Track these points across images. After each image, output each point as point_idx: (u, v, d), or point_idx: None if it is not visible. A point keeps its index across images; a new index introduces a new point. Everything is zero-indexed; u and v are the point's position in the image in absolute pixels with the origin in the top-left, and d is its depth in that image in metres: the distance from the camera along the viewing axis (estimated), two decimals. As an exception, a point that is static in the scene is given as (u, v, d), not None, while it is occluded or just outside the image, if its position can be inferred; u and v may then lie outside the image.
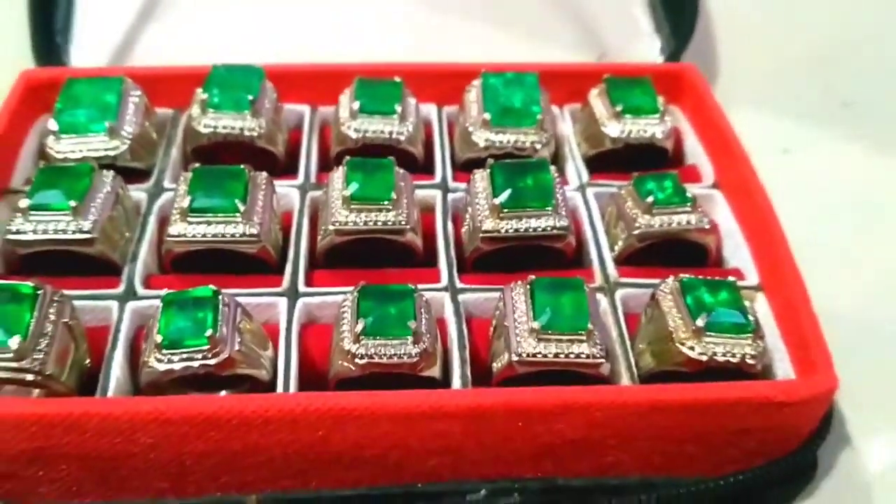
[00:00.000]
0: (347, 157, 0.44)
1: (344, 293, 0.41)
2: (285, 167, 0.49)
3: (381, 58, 0.54)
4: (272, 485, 0.38)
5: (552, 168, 0.45)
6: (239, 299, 0.41)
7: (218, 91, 0.47)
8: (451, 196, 0.47)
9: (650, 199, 0.44)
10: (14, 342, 0.35)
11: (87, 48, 0.57)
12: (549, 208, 0.42)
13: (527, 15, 0.64)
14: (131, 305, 0.41)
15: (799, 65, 0.65)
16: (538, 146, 0.48)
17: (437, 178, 0.48)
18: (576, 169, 0.49)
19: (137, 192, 0.46)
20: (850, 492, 0.41)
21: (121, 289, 0.42)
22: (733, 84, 0.63)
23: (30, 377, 0.35)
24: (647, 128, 0.49)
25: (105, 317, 0.41)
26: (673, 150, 0.51)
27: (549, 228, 0.42)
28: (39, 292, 0.37)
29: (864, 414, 0.43)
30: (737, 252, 0.46)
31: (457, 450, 0.37)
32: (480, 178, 0.44)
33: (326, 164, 0.50)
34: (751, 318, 0.39)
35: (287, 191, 0.47)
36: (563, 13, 0.65)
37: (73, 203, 0.41)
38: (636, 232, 0.44)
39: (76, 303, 0.40)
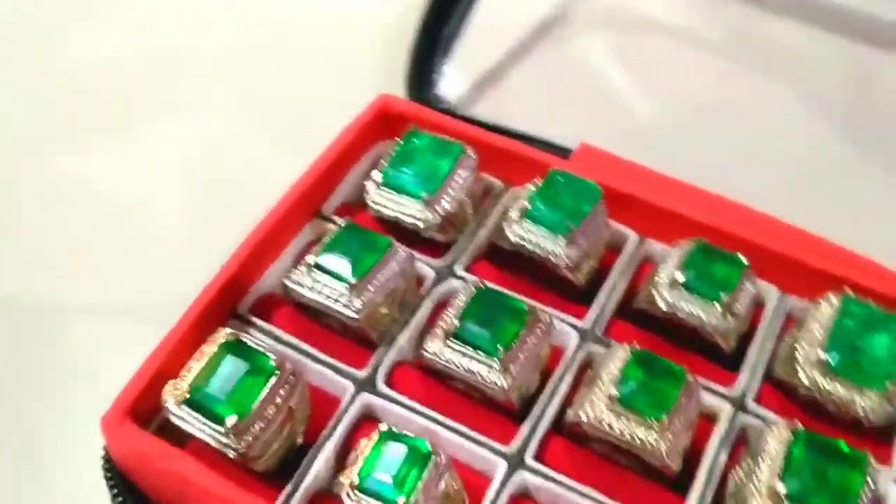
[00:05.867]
0: (636, 346, 0.39)
1: (571, 488, 0.37)
2: (584, 291, 0.45)
3: (742, 188, 0.47)
4: None
5: (871, 467, 0.36)
6: (461, 439, 0.38)
7: (544, 205, 0.43)
8: (741, 419, 0.40)
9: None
10: (231, 420, 0.35)
11: (458, 75, 0.56)
12: (842, 522, 0.34)
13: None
14: (364, 397, 0.40)
15: None
16: (872, 416, 0.38)
17: (737, 390, 0.41)
18: (911, 453, 0.39)
19: (425, 268, 0.44)
20: None
21: (363, 374, 0.40)
22: None
23: (233, 454, 0.35)
24: None
25: (338, 390, 0.40)
26: None
27: (829, 547, 0.34)
28: (278, 371, 0.36)
29: None
30: None
31: None
32: (776, 438, 0.37)
33: (627, 306, 0.44)
34: None
35: (567, 329, 0.42)
36: None
37: (354, 280, 0.40)
38: None
39: (318, 367, 0.40)
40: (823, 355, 0.39)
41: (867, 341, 0.39)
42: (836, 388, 0.39)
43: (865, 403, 0.38)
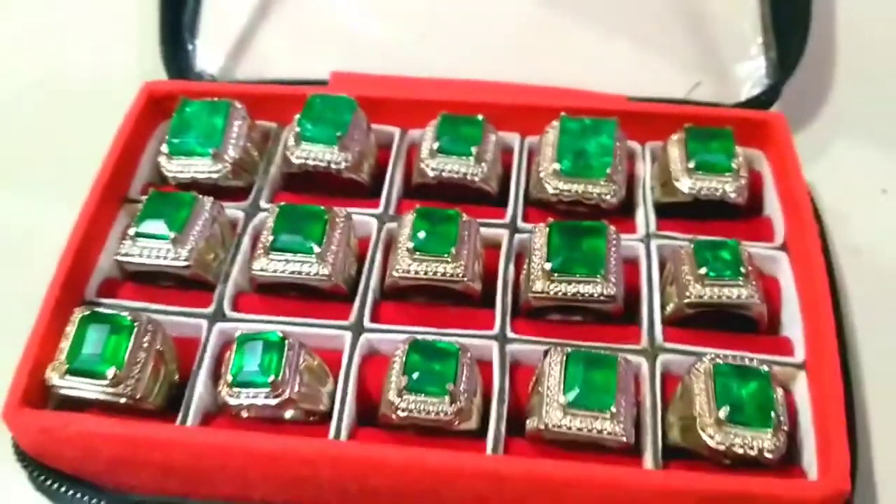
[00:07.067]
0: (417, 207, 0.48)
1: (404, 331, 0.46)
2: (371, 189, 0.53)
3: (479, 70, 0.57)
4: (322, 503, 0.43)
5: (610, 230, 0.46)
6: (308, 328, 0.46)
7: (311, 124, 0.51)
8: (517, 237, 0.50)
9: (704, 269, 0.45)
10: (111, 372, 0.41)
11: (212, 48, 0.63)
12: (599, 276, 0.44)
13: (635, 24, 0.64)
14: (219, 326, 0.47)
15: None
16: (606, 197, 0.49)
17: (507, 218, 0.51)
18: (645, 217, 0.51)
19: (235, 211, 0.51)
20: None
21: (211, 309, 0.47)
22: (839, 113, 0.61)
23: (123, 401, 0.42)
24: (719, 185, 0.49)
25: (196, 332, 0.47)
26: (749, 200, 0.51)
27: (596, 295, 0.44)
28: (136, 323, 0.43)
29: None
30: (792, 322, 0.47)
31: (484, 498, 0.42)
32: (540, 233, 0.47)
33: (410, 187, 0.53)
34: (773, 414, 0.40)
35: (366, 219, 0.51)
36: (673, 23, 0.64)
37: (172, 234, 0.46)
38: (686, 301, 0.45)
39: (172, 318, 0.47)
40: (557, 166, 0.49)
41: (585, 144, 0.50)
42: (573, 187, 0.49)
43: (598, 190, 0.49)
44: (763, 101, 0.57)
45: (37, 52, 0.69)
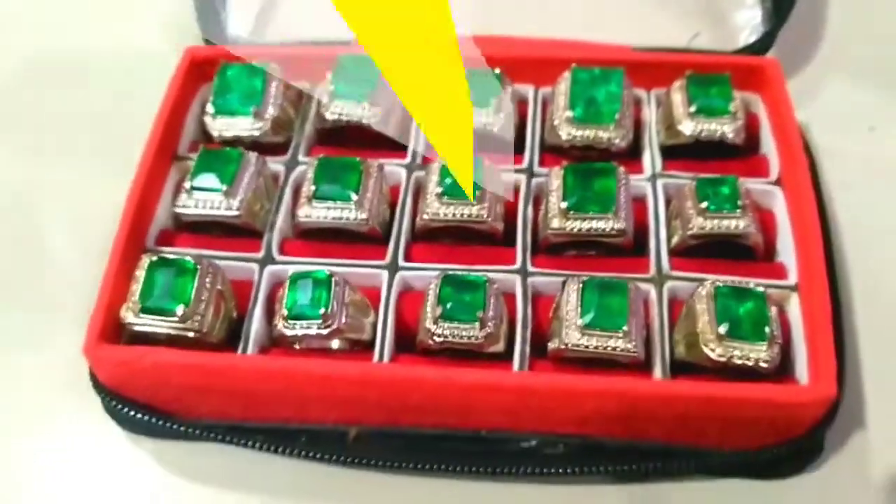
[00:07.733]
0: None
1: (435, 269, 0.51)
2: (400, 139, 0.58)
3: (493, 26, 0.61)
4: (369, 420, 0.49)
5: (620, 171, 0.51)
6: (349, 268, 0.51)
7: (343, 82, 0.55)
8: (534, 181, 0.55)
9: (705, 203, 0.50)
10: (180, 309, 0.46)
11: (242, 14, 0.67)
12: (610, 213, 0.49)
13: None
14: (269, 269, 0.52)
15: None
16: (615, 141, 0.54)
17: (525, 163, 0.55)
18: (651, 158, 0.55)
19: (276, 165, 0.56)
20: (854, 467, 0.48)
21: (261, 254, 0.52)
22: (830, 57, 0.65)
23: (191, 335, 0.47)
24: (718, 127, 0.54)
25: (247, 275, 0.52)
26: (746, 140, 0.55)
27: (608, 230, 0.49)
28: (199, 266, 0.48)
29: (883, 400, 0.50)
30: (786, 249, 0.52)
31: (513, 412, 0.47)
32: (556, 175, 0.51)
33: (434, 139, 0.58)
34: (768, 329, 0.45)
35: (396, 169, 0.56)
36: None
37: (224, 187, 0.51)
38: (690, 232, 0.50)
39: (226, 263, 0.52)
40: (569, 112, 0.54)
41: (595, 92, 0.54)
42: (585, 132, 0.54)
43: (608, 135, 0.54)
44: (758, 47, 0.61)
45: (74, 25, 0.73)
